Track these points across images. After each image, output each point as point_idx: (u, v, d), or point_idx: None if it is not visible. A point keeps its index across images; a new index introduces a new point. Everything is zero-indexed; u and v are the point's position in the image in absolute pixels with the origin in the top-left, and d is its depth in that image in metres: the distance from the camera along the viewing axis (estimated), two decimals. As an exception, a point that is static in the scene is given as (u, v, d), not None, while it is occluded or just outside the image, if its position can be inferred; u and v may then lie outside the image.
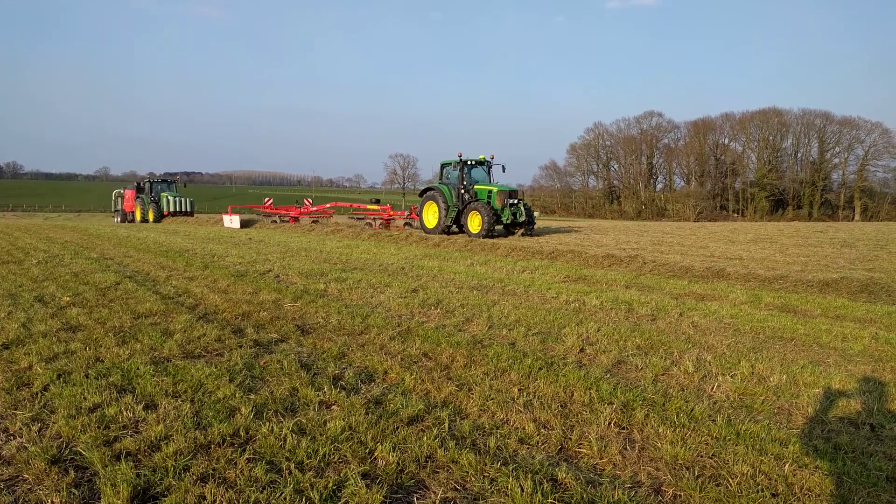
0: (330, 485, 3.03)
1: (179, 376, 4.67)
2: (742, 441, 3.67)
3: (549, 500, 2.93)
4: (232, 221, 29.75)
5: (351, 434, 3.66)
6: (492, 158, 21.81)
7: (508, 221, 20.19)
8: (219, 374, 4.72)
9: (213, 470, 3.17)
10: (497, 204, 19.90)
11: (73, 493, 2.96)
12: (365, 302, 8.14)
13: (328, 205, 31.17)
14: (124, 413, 3.89)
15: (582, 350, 5.86)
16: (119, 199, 42.58)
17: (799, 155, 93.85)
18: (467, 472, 3.23)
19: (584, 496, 2.98)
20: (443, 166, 22.27)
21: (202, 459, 3.29)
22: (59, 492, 2.96)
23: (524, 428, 3.88)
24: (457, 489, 3.10)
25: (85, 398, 4.14)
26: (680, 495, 3.08)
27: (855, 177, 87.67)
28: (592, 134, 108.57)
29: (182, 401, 4.15)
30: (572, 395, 4.49)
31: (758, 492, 3.06)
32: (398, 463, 3.31)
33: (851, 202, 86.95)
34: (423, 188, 23.36)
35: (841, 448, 3.59)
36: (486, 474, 3.21)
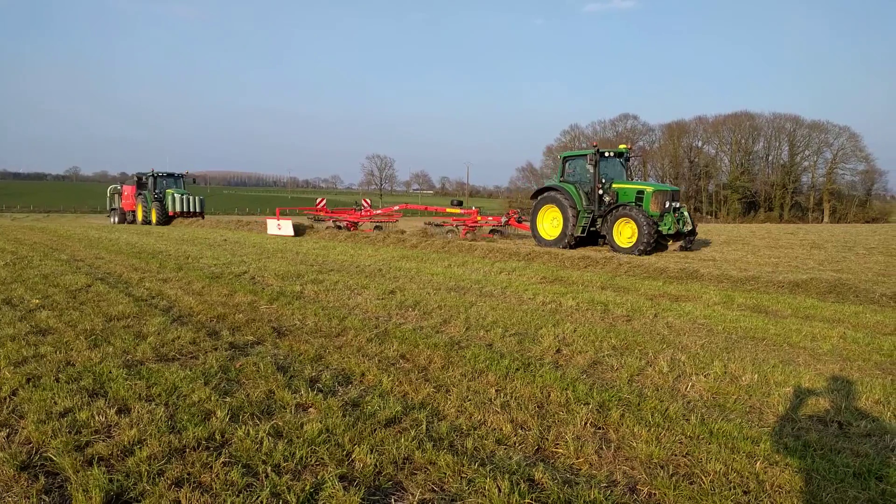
0: (307, 488, 3.02)
1: (153, 380, 4.60)
2: (715, 440, 3.73)
3: (526, 500, 2.95)
4: (281, 227, 23.31)
5: (328, 436, 3.65)
6: (630, 149, 17.55)
7: (671, 231, 15.61)
8: (193, 377, 4.67)
9: (188, 474, 3.14)
10: (652, 209, 15.53)
11: (44, 500, 2.91)
12: (342, 304, 8.10)
13: (396, 207, 25.24)
14: (96, 417, 3.82)
15: (558, 351, 5.90)
16: (116, 196, 37.74)
17: (770, 158, 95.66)
18: (445, 474, 3.24)
19: (561, 496, 3.01)
20: (565, 159, 17.88)
21: (177, 464, 3.25)
22: (28, 498, 2.90)
23: (501, 428, 3.90)
24: (434, 490, 3.10)
25: (55, 403, 4.06)
26: (655, 494, 3.12)
27: (824, 179, 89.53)
28: (569, 136, 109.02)
29: (156, 404, 4.09)
30: (549, 395, 4.52)
31: (730, 489, 3.11)
32: (376, 465, 3.31)
33: (820, 204, 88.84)
34: (539, 188, 18.37)
35: (810, 445, 3.67)
36: (463, 475, 3.22)
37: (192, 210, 33.23)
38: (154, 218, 32.69)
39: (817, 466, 3.36)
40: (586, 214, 16.66)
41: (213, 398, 4.21)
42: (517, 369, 5.12)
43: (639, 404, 4.35)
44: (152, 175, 34.33)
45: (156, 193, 33.48)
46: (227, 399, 4.21)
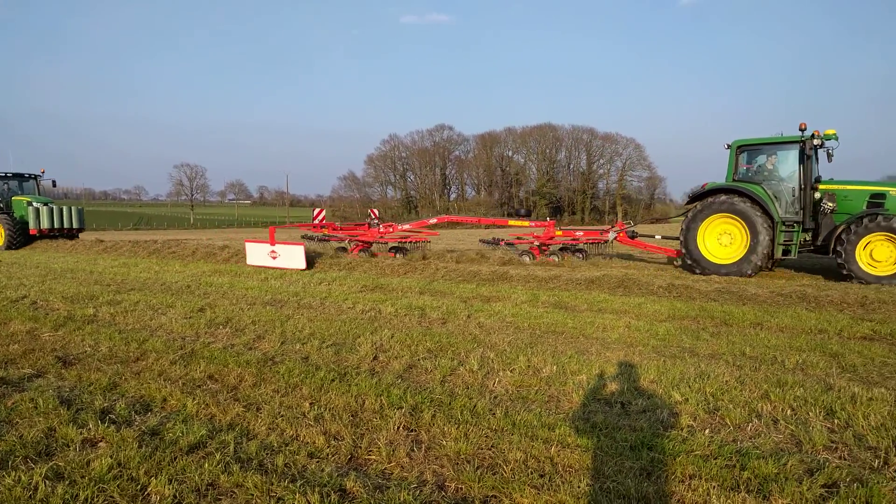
0: (91, 532, 2.73)
1: None
2: (517, 430, 3.98)
3: (336, 512, 2.93)
4: (279, 256, 14.64)
5: (120, 471, 3.33)
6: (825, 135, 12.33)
7: None
8: (-50, 422, 4.01)
9: (-62, 536, 2.69)
10: None
11: None
12: (143, 325, 7.45)
13: (432, 220, 18.24)
14: None
15: (375, 358, 5.94)
16: None
17: (571, 166, 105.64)
18: (253, 495, 3.11)
19: (372, 502, 3.03)
20: (741, 148, 13.20)
21: (-78, 526, 2.76)
22: None
23: (314, 442, 3.83)
24: (240, 515, 2.96)
25: None
26: (461, 488, 3.26)
27: (616, 185, 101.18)
28: (388, 145, 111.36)
29: None
30: (364, 403, 4.53)
31: (528, 475, 3.34)
32: (175, 495, 3.08)
33: (615, 207, 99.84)
34: (698, 191, 13.59)
35: (597, 426, 4.06)
36: (272, 494, 3.11)
37: (68, 226, 23.93)
38: (1, 239, 22.83)
39: (602, 444, 3.74)
40: (785, 228, 12.38)
41: (-25, 444, 3.64)
42: (333, 380, 5.07)
43: (450, 403, 4.51)
44: None
45: None
46: (-5, 443, 3.67)
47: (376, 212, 19.90)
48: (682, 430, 4.01)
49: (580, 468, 3.44)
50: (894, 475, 3.29)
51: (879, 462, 3.48)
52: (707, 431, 3.97)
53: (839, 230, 11.60)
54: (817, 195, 12.23)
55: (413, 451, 3.72)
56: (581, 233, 16.32)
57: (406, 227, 17.61)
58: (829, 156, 12.39)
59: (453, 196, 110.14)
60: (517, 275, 12.22)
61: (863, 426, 3.97)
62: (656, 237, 15.82)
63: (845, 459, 3.53)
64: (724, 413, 4.29)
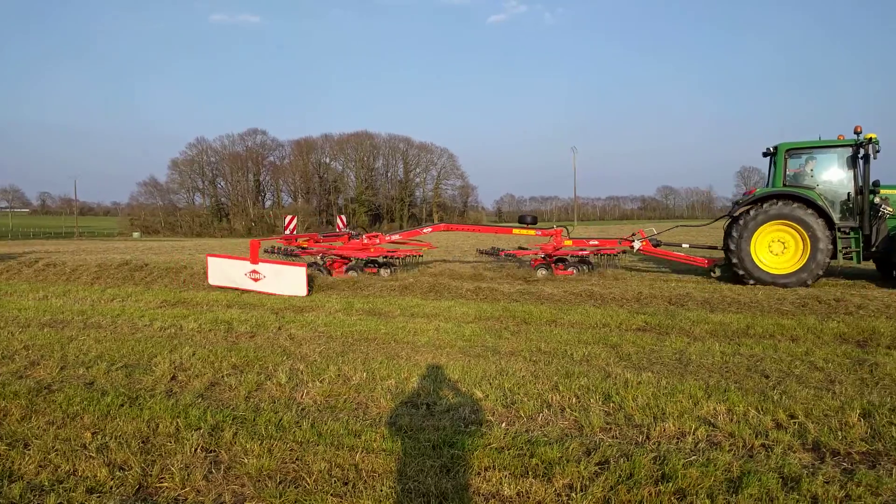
0: None
1: None
2: (323, 440, 3.94)
3: (117, 550, 2.68)
4: (263, 278, 11.51)
5: None
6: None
7: None
8: None
9: None
10: None
11: None
12: None
13: (426, 229, 15.47)
14: None
15: (174, 378, 5.54)
16: None
17: (389, 174, 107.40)
18: (14, 545, 2.73)
19: (160, 534, 2.82)
20: (789, 153, 12.45)
21: None
22: None
23: (96, 475, 3.47)
24: (-3, 569, 2.59)
25: None
26: (262, 506, 3.15)
27: (432, 194, 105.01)
28: (195, 149, 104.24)
29: None
30: (157, 427, 4.20)
31: (332, 484, 3.33)
32: None
33: (431, 215, 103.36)
34: (747, 198, 12.49)
35: (402, 429, 4.16)
36: (39, 541, 2.77)
37: None
38: None
39: (406, 446, 3.83)
40: (842, 234, 11.88)
41: None
42: (122, 405, 4.65)
43: (254, 419, 4.35)
44: None
45: None
46: None
47: (344, 218, 17.22)
48: (481, 425, 4.25)
49: (384, 472, 3.50)
50: (653, 447, 3.78)
51: (643, 437, 3.98)
52: (504, 424, 4.25)
53: None
54: (877, 199, 11.74)
55: (211, 472, 3.52)
56: (595, 241, 14.35)
57: (395, 237, 15.25)
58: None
59: (269, 203, 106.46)
60: (333, 283, 12.11)
61: (632, 407, 4.51)
62: (684, 245, 14.87)
63: (616, 438, 3.99)
64: (519, 406, 4.62)
